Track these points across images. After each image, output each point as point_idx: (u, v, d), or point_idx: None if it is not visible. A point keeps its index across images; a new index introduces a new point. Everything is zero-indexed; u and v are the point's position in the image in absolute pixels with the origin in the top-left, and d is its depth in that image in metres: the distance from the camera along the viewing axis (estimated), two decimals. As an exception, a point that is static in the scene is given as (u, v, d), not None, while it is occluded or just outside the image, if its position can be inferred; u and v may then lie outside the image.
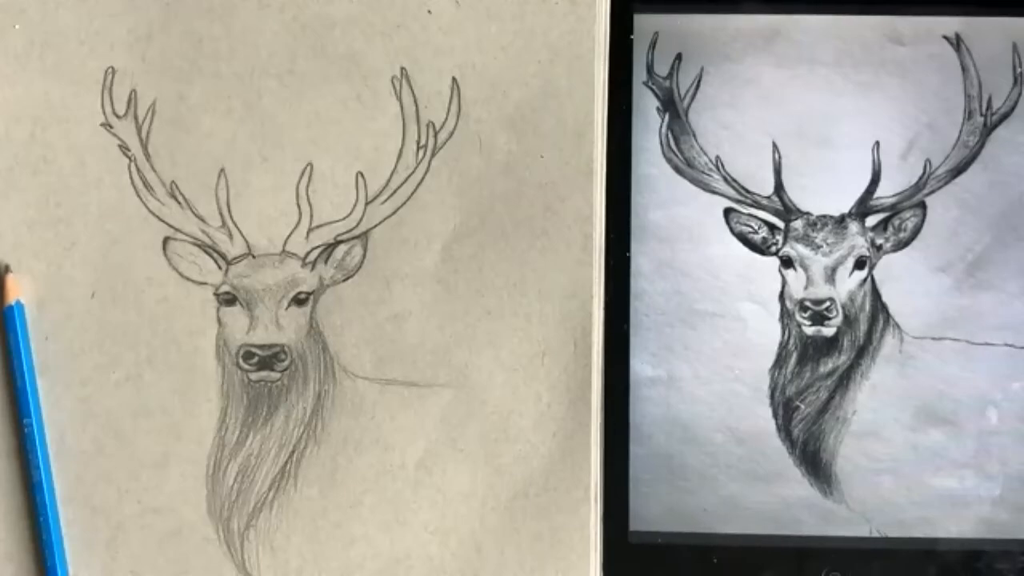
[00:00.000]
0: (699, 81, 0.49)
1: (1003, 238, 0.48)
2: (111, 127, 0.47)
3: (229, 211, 0.47)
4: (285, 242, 0.47)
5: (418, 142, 0.47)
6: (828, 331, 0.49)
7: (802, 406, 0.49)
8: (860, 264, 0.49)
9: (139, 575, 0.47)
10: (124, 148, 0.47)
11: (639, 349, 0.48)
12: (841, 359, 0.49)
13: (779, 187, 0.49)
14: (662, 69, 0.49)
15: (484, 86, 0.47)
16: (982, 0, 0.49)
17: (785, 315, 0.49)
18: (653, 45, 0.49)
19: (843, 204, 0.49)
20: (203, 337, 0.47)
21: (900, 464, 0.48)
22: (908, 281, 0.49)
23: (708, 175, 0.49)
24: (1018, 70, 0.49)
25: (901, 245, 0.49)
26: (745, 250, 0.49)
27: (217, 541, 0.47)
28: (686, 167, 0.49)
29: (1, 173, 0.47)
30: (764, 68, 0.49)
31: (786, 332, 0.49)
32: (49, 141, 0.47)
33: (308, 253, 0.47)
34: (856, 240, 0.49)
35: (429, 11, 0.47)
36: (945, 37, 0.49)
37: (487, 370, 0.47)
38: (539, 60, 0.47)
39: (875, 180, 0.49)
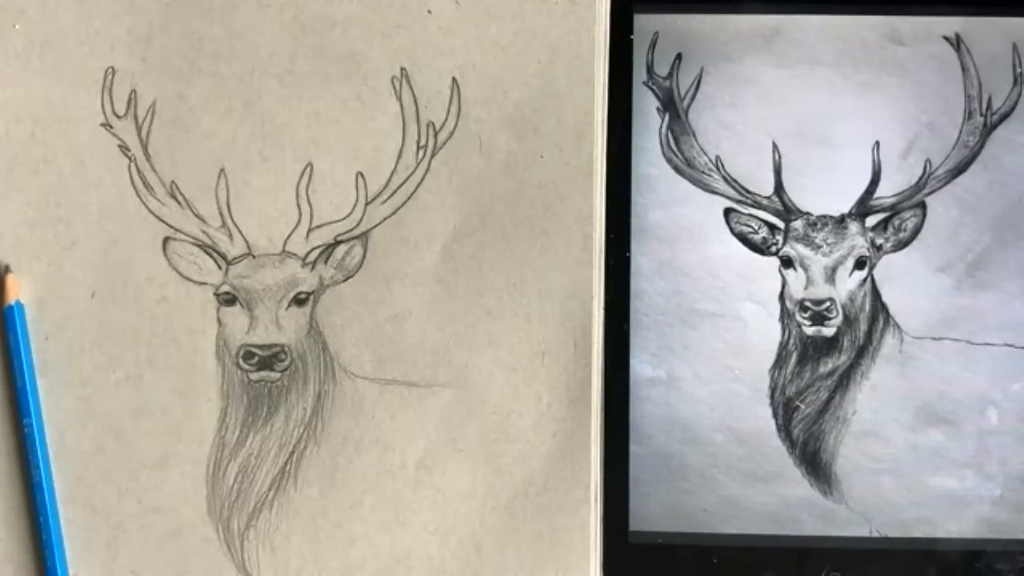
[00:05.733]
0: (699, 81, 0.49)
1: (1003, 238, 0.48)
2: (111, 127, 0.47)
3: (229, 211, 0.47)
4: (285, 242, 0.47)
5: (418, 142, 0.47)
6: (828, 331, 0.49)
7: (802, 406, 0.49)
8: (860, 264, 0.49)
9: (139, 575, 0.47)
10: (124, 148, 0.47)
11: (639, 349, 0.48)
12: (841, 359, 0.49)
13: (779, 187, 0.49)
14: (662, 69, 0.49)
15: (484, 86, 0.47)
16: (982, 0, 0.49)
17: (785, 315, 0.49)
18: (653, 45, 0.49)
19: (843, 204, 0.49)
20: (203, 337, 0.47)
21: (900, 464, 0.48)
22: (908, 281, 0.49)
23: (708, 175, 0.49)
24: (1018, 70, 0.49)
25: (901, 245, 0.49)
26: (745, 250, 0.49)
27: (217, 541, 0.47)
28: (686, 167, 0.49)
29: (1, 173, 0.47)
30: (764, 68, 0.49)
31: (786, 332, 0.49)
32: (49, 141, 0.47)
33: (308, 253, 0.47)
34: (856, 240, 0.49)
35: (429, 11, 0.47)
36: (945, 37, 0.49)
37: (487, 370, 0.47)
38: (539, 60, 0.47)
39: (875, 180, 0.49)
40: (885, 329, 0.48)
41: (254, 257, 0.47)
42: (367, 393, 0.47)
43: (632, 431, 0.48)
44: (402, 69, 0.47)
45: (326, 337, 0.47)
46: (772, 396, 0.49)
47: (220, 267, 0.47)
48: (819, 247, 0.49)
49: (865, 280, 0.49)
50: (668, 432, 0.48)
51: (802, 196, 0.49)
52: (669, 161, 0.49)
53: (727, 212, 0.49)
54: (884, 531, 0.48)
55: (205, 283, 0.47)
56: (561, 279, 0.47)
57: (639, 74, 0.49)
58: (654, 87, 0.49)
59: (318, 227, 0.47)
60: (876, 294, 0.49)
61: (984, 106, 0.48)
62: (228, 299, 0.47)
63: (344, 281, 0.47)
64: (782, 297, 0.49)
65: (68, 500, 0.46)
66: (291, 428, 0.47)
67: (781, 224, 0.49)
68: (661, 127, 0.49)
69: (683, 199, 0.49)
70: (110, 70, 0.47)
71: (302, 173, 0.47)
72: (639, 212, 0.49)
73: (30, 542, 0.47)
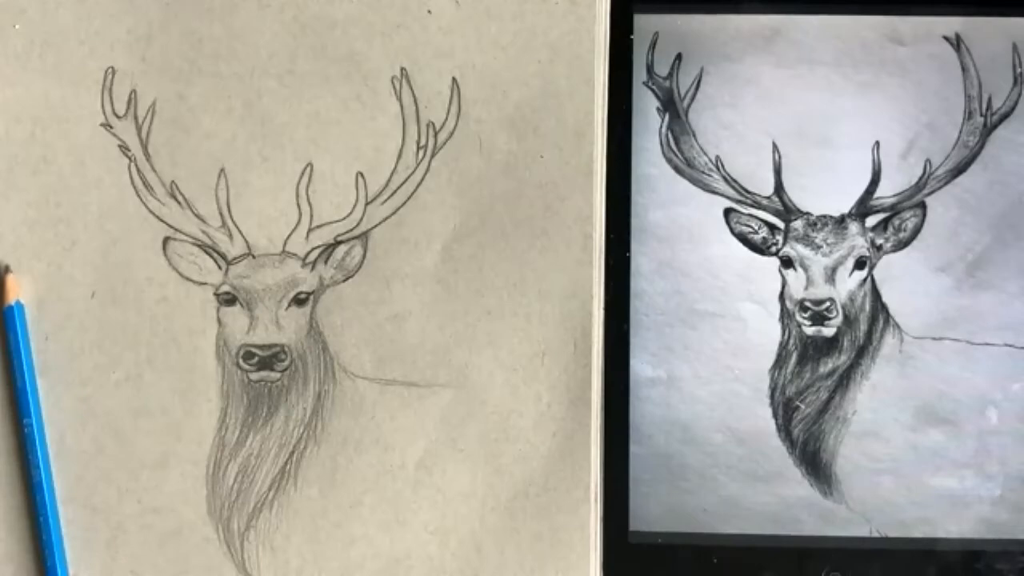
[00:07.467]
0: (699, 81, 0.49)
1: (1003, 238, 0.48)
2: (111, 127, 0.47)
3: (229, 211, 0.47)
4: (285, 242, 0.47)
5: (418, 142, 0.47)
6: (828, 331, 0.49)
7: (802, 406, 0.49)
8: (860, 264, 0.49)
9: (139, 575, 0.47)
10: (124, 148, 0.47)
11: (639, 349, 0.48)
12: (841, 359, 0.49)
13: (779, 187, 0.49)
14: (662, 69, 0.49)
15: (484, 86, 0.47)
16: (982, 0, 0.49)
17: (785, 315, 0.49)
18: (653, 45, 0.49)
19: (843, 204, 0.49)
20: (203, 337, 0.47)
21: (900, 464, 0.48)
22: (908, 281, 0.49)
23: (708, 175, 0.49)
24: (1018, 70, 0.49)
25: (901, 245, 0.49)
26: (745, 250, 0.49)
27: (217, 541, 0.47)
28: (686, 167, 0.49)
29: (1, 173, 0.47)
30: (764, 68, 0.49)
31: (786, 332, 0.49)
32: (49, 141, 0.47)
33: (308, 253, 0.47)
34: (856, 240, 0.49)
35: (429, 11, 0.47)
36: (945, 37, 0.49)
37: (487, 370, 0.47)
38: (539, 60, 0.47)
39: (875, 180, 0.49)
40: (885, 329, 0.48)
41: (254, 257, 0.47)
42: (367, 393, 0.47)
43: (632, 431, 0.48)
44: (402, 69, 0.47)
45: (326, 337, 0.47)
46: (772, 396, 0.49)
47: (220, 267, 0.47)
48: (819, 247, 0.49)
49: (865, 280, 0.49)
50: (668, 432, 0.48)
51: (802, 196, 0.49)
52: (669, 161, 0.49)
53: (727, 212, 0.49)
54: (884, 531, 0.48)
55: (205, 283, 0.47)
56: (561, 279, 0.47)
57: (639, 74, 0.49)
58: (654, 87, 0.49)
59: (318, 227, 0.47)
60: (876, 294, 0.49)
61: (984, 106, 0.48)
62: (228, 299, 0.47)
63: (344, 281, 0.47)
64: (782, 297, 0.49)
65: (68, 500, 0.46)
66: (291, 428, 0.47)
67: (781, 224, 0.49)
68: (661, 127, 0.49)
69: (683, 199, 0.49)
70: (110, 70, 0.47)
71: (302, 173, 0.47)
72: (639, 212, 0.49)
73: (30, 542, 0.47)
